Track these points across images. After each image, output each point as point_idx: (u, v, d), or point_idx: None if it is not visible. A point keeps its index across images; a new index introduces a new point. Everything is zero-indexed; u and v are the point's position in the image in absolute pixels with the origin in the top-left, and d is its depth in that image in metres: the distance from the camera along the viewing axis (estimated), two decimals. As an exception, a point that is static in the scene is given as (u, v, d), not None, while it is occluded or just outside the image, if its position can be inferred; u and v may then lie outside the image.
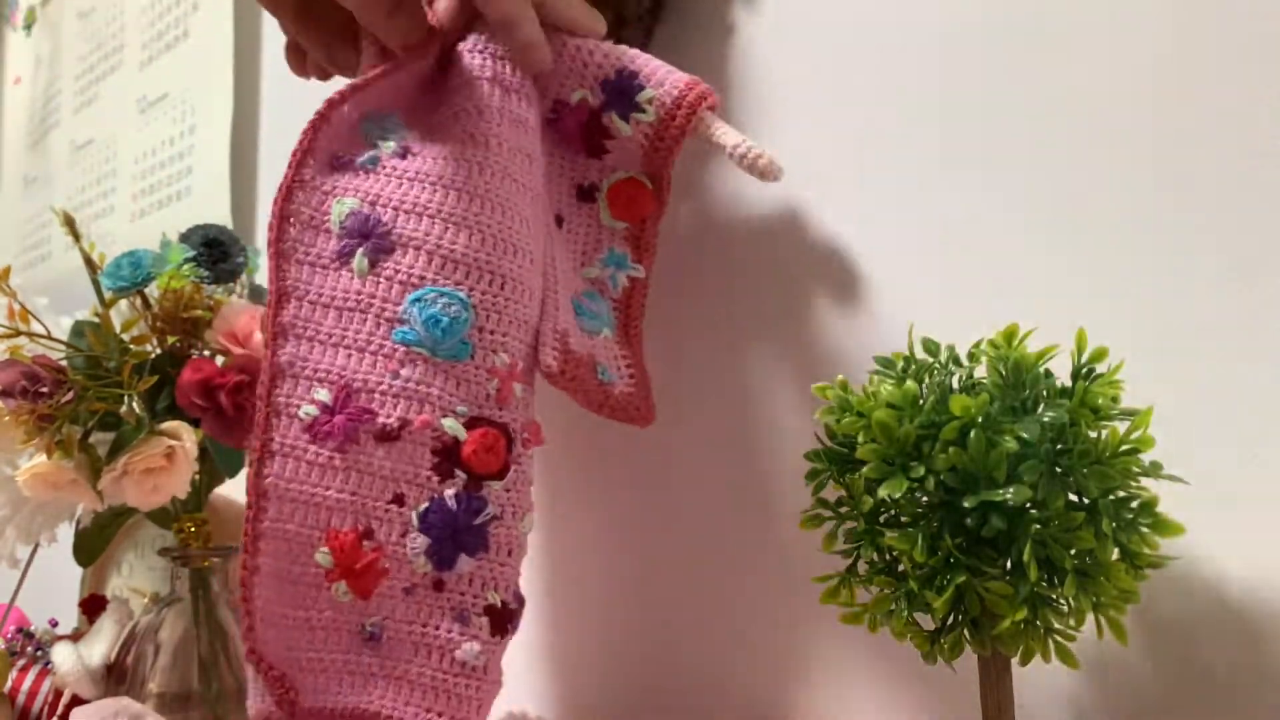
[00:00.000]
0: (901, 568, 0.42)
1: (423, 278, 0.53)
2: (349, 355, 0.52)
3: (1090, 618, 0.40)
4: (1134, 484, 0.39)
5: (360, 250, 0.53)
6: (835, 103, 0.58)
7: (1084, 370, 0.40)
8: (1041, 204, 0.50)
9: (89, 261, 0.71)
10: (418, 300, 0.52)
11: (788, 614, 0.59)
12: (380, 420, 0.51)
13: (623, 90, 0.57)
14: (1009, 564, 0.39)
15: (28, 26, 1.69)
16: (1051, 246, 0.50)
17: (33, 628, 0.82)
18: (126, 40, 1.36)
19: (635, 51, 0.58)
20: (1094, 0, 0.49)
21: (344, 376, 0.52)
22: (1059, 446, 0.39)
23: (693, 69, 0.58)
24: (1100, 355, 0.40)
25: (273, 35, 1.08)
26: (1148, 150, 0.47)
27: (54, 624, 0.87)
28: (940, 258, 0.54)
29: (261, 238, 1.07)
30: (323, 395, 0.51)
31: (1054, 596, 0.39)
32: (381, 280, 0.53)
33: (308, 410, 0.51)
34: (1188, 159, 0.46)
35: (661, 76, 0.57)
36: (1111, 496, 0.39)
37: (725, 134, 0.56)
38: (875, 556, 0.42)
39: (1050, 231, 0.50)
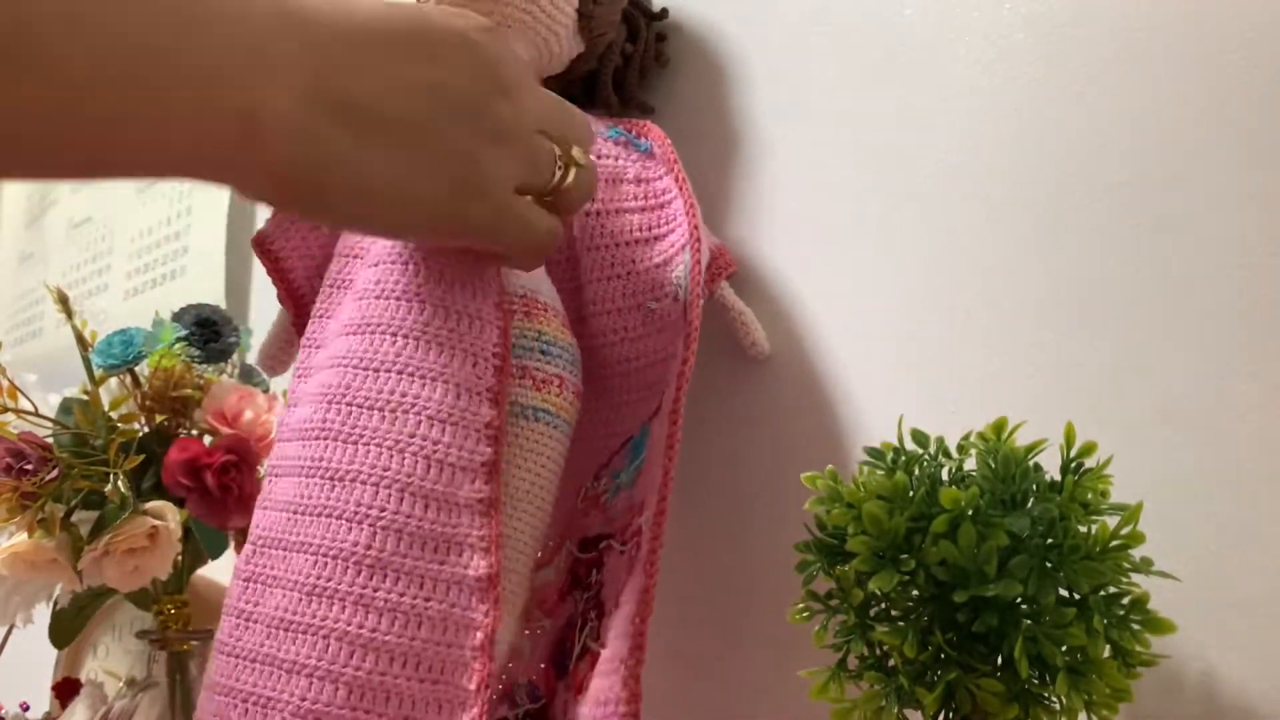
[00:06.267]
0: (892, 663, 0.41)
1: None
2: None
3: (1083, 716, 0.39)
4: (1125, 579, 0.39)
5: None
6: (824, 190, 0.59)
7: (1073, 464, 0.40)
8: (1033, 296, 0.51)
9: (80, 338, 0.71)
10: None
11: (774, 706, 0.58)
12: None
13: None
14: (1000, 660, 0.39)
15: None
16: (1043, 338, 0.50)
17: (3, 711, 0.81)
18: (130, 121, 1.38)
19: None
20: (1083, 110, 0.50)
21: None
22: (1049, 541, 0.39)
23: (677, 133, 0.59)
24: (1089, 450, 0.40)
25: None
26: (1138, 243, 0.48)
27: (25, 708, 0.85)
28: (931, 348, 0.54)
29: (255, 317, 1.07)
30: None
31: (1046, 694, 0.39)
32: None
33: None
34: (1176, 250, 0.47)
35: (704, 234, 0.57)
36: (1102, 593, 0.39)
37: (735, 299, 0.59)
38: (865, 651, 0.41)
39: (1042, 323, 0.50)
